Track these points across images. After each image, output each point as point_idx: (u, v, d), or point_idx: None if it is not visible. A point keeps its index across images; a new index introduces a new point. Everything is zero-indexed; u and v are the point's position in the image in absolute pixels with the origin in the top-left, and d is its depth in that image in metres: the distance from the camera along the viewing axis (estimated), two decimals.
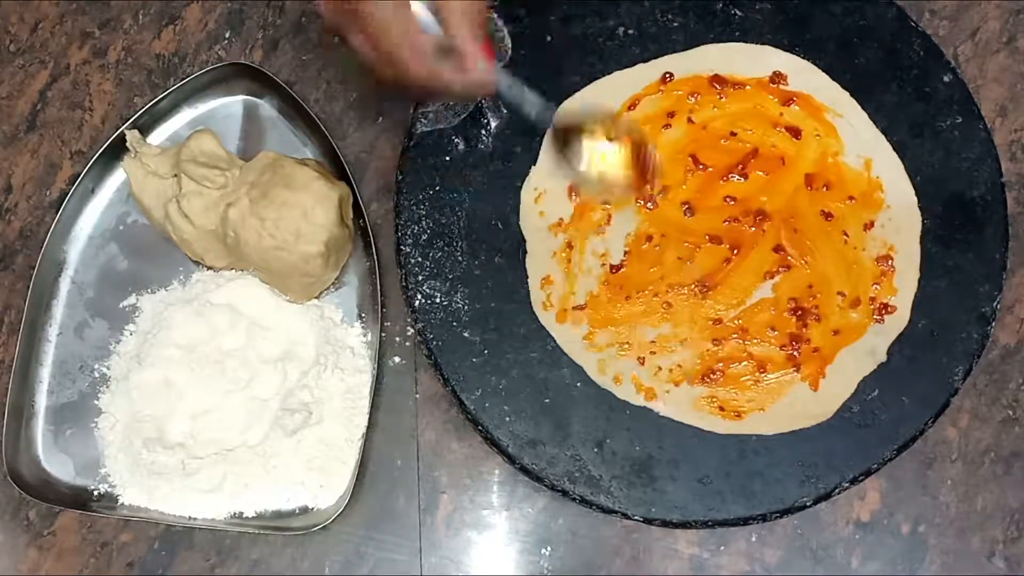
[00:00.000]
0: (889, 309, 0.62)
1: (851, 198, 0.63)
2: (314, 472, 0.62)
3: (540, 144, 0.64)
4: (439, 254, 0.62)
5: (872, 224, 0.63)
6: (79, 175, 0.65)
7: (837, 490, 0.59)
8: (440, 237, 0.62)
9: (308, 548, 0.63)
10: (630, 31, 0.65)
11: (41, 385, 0.65)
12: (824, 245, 0.63)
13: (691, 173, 0.63)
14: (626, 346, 0.61)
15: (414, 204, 0.63)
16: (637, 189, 0.58)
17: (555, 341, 0.61)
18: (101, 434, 0.64)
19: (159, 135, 0.68)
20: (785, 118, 0.64)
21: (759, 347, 0.61)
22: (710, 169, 0.63)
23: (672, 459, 0.60)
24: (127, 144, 0.65)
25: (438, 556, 0.63)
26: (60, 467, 0.63)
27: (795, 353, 0.61)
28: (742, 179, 0.63)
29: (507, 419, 0.60)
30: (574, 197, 0.63)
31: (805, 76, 0.64)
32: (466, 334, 0.61)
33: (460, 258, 0.62)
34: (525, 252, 0.63)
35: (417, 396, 0.65)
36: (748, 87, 0.64)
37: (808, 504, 0.59)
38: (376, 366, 0.63)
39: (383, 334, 0.65)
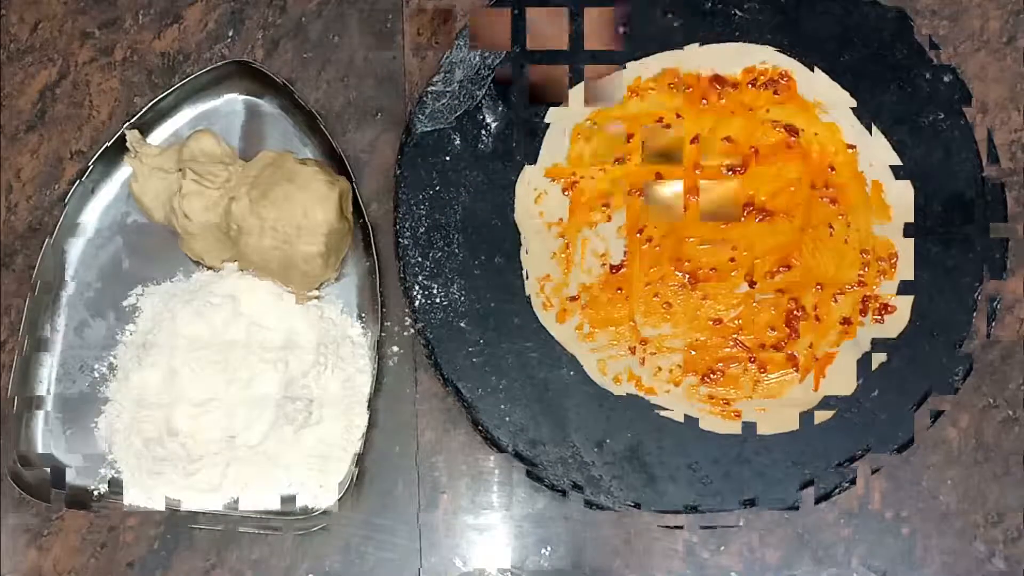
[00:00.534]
0: (889, 309, 0.62)
1: (851, 198, 0.63)
2: (314, 472, 0.62)
3: (540, 144, 0.64)
4: (439, 253, 0.62)
5: (872, 224, 0.63)
6: (80, 175, 0.65)
7: (837, 490, 0.59)
8: (440, 236, 0.62)
9: (308, 547, 0.63)
10: (629, 30, 0.65)
11: (41, 385, 0.65)
12: (824, 245, 0.63)
13: (691, 173, 0.64)
14: (626, 346, 0.62)
15: (414, 203, 0.63)
16: None
17: (555, 341, 0.61)
18: (101, 434, 0.63)
19: (160, 134, 0.68)
20: (785, 118, 0.64)
21: (759, 347, 0.61)
22: (710, 169, 0.64)
23: (672, 459, 0.60)
24: (127, 144, 0.65)
25: (438, 555, 0.63)
26: (60, 467, 0.63)
27: (795, 353, 0.61)
28: (742, 179, 0.64)
29: (507, 419, 0.60)
30: (567, 193, 0.63)
31: (805, 76, 0.64)
32: (466, 334, 0.61)
33: (460, 257, 0.62)
34: (525, 252, 0.63)
35: (417, 396, 0.65)
36: (748, 86, 0.64)
37: (808, 503, 0.59)
38: (376, 365, 0.63)
39: (383, 333, 0.65)
